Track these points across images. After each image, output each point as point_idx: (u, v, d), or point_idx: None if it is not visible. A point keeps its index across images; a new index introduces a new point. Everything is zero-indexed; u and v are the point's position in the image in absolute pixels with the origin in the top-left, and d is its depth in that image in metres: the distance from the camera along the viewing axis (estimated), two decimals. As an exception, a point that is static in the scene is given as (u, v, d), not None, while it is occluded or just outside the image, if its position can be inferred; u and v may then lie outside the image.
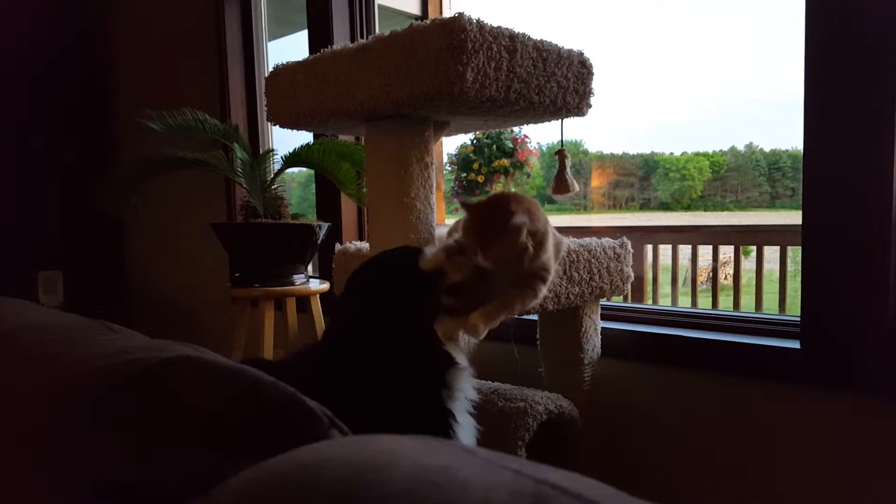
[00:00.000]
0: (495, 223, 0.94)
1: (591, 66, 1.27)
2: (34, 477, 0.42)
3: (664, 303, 3.88)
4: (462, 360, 0.97)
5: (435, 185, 1.29)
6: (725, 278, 4.19)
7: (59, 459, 0.42)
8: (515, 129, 4.35)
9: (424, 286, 0.96)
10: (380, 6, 2.22)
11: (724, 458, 1.41)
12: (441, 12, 2.33)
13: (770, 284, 3.51)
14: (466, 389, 0.95)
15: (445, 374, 0.92)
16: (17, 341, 0.59)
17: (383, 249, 1.08)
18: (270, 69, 1.41)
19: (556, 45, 1.20)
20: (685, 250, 3.81)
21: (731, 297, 3.54)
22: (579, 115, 1.30)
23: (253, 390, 0.42)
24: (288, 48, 2.85)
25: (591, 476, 0.32)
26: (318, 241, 1.81)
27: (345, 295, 1.04)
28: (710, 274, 3.76)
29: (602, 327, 1.49)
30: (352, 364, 0.90)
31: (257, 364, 0.48)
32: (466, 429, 0.93)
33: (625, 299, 2.01)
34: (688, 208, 7.42)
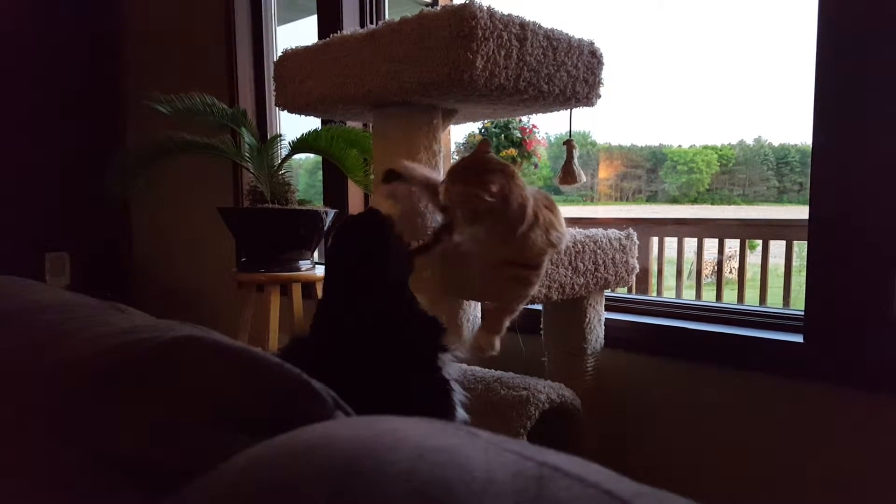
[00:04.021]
0: (467, 165, 0.99)
1: (601, 55, 1.27)
2: (42, 451, 0.43)
3: (668, 295, 3.88)
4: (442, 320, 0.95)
5: (442, 172, 1.29)
6: (730, 272, 4.18)
7: (67, 434, 0.42)
8: (524, 118, 4.33)
9: (389, 248, 0.95)
10: (390, -8, 2.21)
11: (725, 450, 1.42)
12: (451, -1, 2.32)
13: (775, 279, 3.51)
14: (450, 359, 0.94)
15: (434, 338, 0.91)
16: (26, 319, 0.60)
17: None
18: (279, 54, 1.41)
19: (567, 33, 1.20)
20: (691, 243, 3.80)
21: (736, 291, 3.53)
22: (588, 105, 1.30)
23: (258, 370, 0.42)
24: (297, 33, 2.84)
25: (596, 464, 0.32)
26: (325, 228, 1.81)
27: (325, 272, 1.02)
28: (715, 267, 3.75)
29: (606, 318, 1.49)
30: (338, 341, 0.89)
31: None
32: (458, 395, 0.93)
33: (629, 291, 2.01)
34: (695, 201, 7.40)
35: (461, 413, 0.93)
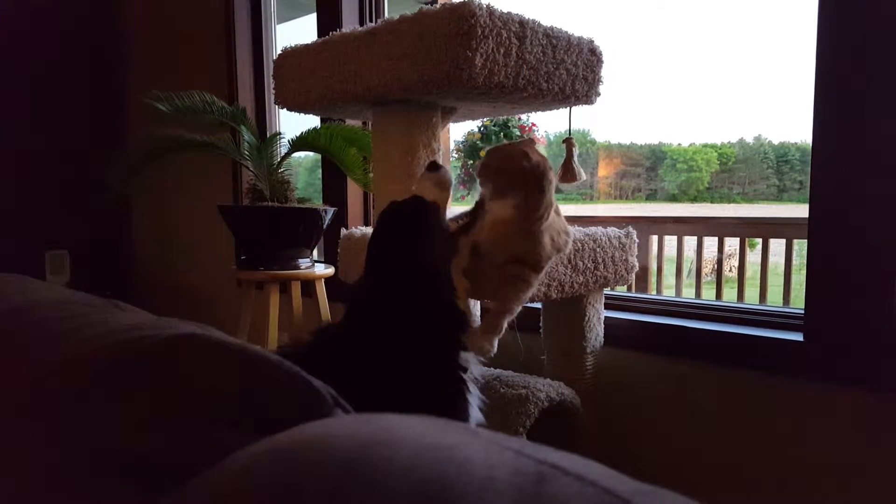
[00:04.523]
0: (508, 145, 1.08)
1: (600, 53, 1.27)
2: (41, 450, 0.43)
3: (668, 293, 3.88)
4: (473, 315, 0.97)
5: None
6: (730, 270, 4.18)
7: (66, 433, 0.42)
8: (523, 116, 4.33)
9: (413, 222, 0.97)
10: (389, -10, 2.20)
11: (724, 449, 1.42)
12: (451, -3, 2.31)
13: (775, 277, 3.51)
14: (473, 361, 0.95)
15: (458, 333, 0.92)
16: (26, 318, 0.60)
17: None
18: (279, 52, 1.41)
19: (566, 31, 1.20)
20: (690, 241, 3.80)
21: (736, 290, 3.53)
22: (588, 104, 1.30)
23: (258, 368, 0.42)
24: (297, 31, 2.84)
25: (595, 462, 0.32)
26: (324, 226, 1.81)
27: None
28: (715, 266, 3.75)
29: (606, 317, 1.49)
30: (366, 330, 0.89)
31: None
32: (474, 398, 0.93)
33: (629, 289, 2.01)
34: (694, 200, 7.39)
35: (476, 414, 0.93)
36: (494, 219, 1.04)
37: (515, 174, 1.02)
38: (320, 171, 2.32)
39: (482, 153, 4.40)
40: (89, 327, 0.53)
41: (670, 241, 3.83)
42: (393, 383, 0.84)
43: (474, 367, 0.95)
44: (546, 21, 1.16)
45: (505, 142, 4.33)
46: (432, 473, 0.28)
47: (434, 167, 1.05)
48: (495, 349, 1.06)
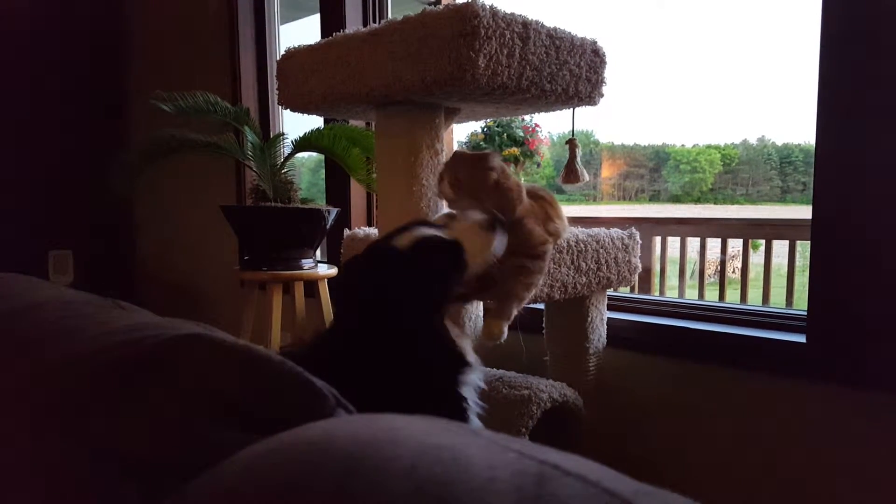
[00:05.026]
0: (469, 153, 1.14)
1: (603, 54, 1.27)
2: (43, 449, 0.43)
3: (671, 295, 3.87)
4: (471, 354, 0.95)
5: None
6: (733, 272, 4.17)
7: (68, 433, 0.43)
8: (526, 117, 4.33)
9: (439, 274, 0.94)
10: (393, -9, 2.21)
11: (726, 450, 1.42)
12: (454, -2, 2.31)
13: (778, 279, 3.50)
14: (475, 382, 0.95)
15: (458, 372, 0.91)
16: (29, 318, 0.60)
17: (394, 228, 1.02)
18: (282, 53, 1.41)
19: (570, 32, 1.20)
20: (694, 243, 3.80)
21: (739, 291, 3.53)
22: (591, 105, 1.30)
23: (261, 368, 0.42)
24: (300, 32, 2.84)
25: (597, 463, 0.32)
26: (327, 227, 1.81)
27: (355, 276, 1.01)
28: (718, 267, 3.75)
29: (608, 317, 1.49)
30: (363, 353, 0.89)
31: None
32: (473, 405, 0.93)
33: (632, 290, 2.01)
34: (698, 201, 7.39)
35: (475, 421, 0.93)
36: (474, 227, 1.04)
37: (485, 182, 1.07)
38: (323, 171, 2.33)
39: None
40: (91, 327, 0.53)
41: (673, 243, 3.83)
42: (395, 382, 0.84)
43: (476, 375, 0.95)
44: (549, 22, 1.16)
45: (508, 148, 4.34)
46: (434, 474, 0.28)
47: (494, 224, 0.98)
48: (505, 335, 1.06)
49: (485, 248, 0.95)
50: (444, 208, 1.31)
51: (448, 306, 0.97)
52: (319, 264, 1.89)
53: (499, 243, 0.97)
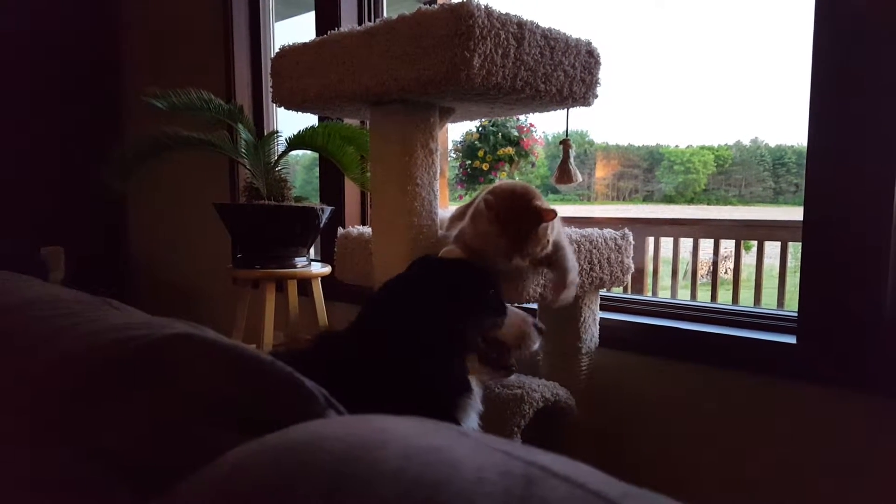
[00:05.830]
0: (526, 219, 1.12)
1: (598, 55, 1.27)
2: (35, 449, 0.43)
3: (664, 295, 3.88)
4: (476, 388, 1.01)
5: (439, 171, 1.29)
6: (726, 272, 4.19)
7: (60, 431, 0.42)
8: (521, 117, 4.34)
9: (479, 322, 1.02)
10: (388, -11, 2.20)
11: (718, 450, 1.42)
12: (449, -3, 2.31)
13: (770, 280, 3.51)
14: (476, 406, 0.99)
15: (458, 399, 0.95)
16: (20, 316, 0.59)
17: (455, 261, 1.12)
18: (277, 50, 1.41)
19: (565, 33, 1.20)
20: (686, 243, 3.81)
21: (731, 292, 3.54)
22: (585, 105, 1.30)
23: (251, 368, 0.42)
24: (295, 29, 2.84)
25: (585, 464, 0.32)
26: (321, 225, 1.81)
27: (400, 290, 1.04)
28: (711, 268, 3.76)
29: (601, 318, 1.49)
30: (374, 355, 0.91)
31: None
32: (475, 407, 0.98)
33: (624, 290, 2.02)
34: (691, 201, 7.41)
35: (473, 423, 0.96)
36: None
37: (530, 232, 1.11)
38: (318, 169, 2.32)
39: (477, 159, 4.41)
40: (82, 326, 0.53)
41: (666, 243, 3.84)
42: (390, 383, 0.85)
43: (476, 400, 0.98)
44: (544, 22, 1.16)
45: (503, 148, 4.35)
46: (422, 475, 0.28)
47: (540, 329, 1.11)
48: (571, 298, 1.23)
49: (526, 341, 1.09)
50: (441, 210, 1.31)
51: (466, 354, 1.03)
52: (313, 263, 1.89)
53: (538, 344, 1.10)
